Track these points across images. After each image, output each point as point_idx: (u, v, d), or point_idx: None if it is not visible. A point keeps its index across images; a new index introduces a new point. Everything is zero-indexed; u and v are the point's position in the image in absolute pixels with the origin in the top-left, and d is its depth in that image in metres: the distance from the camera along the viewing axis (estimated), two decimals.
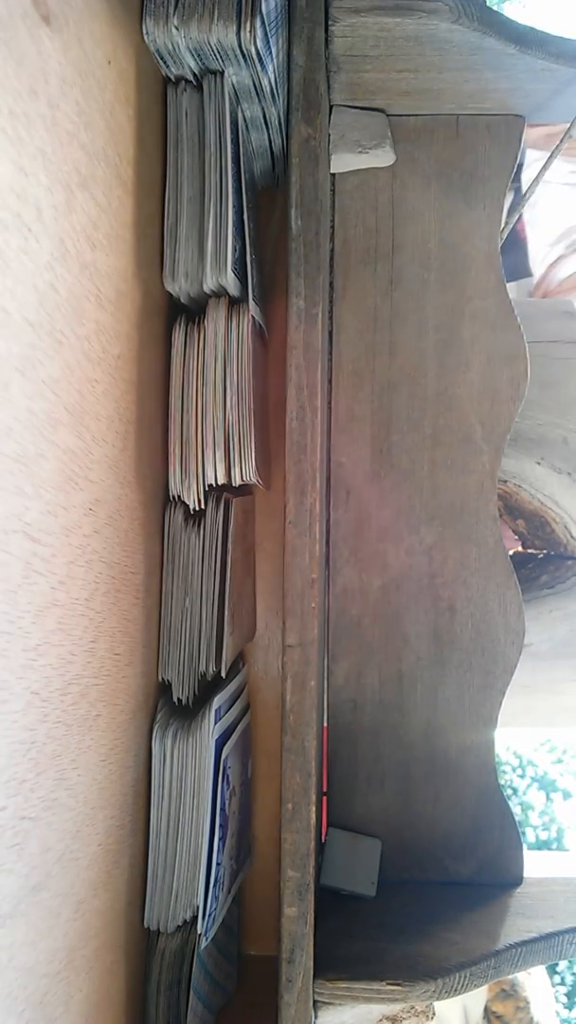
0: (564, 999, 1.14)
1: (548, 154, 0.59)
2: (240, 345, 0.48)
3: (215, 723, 0.49)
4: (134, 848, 0.47)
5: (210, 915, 0.49)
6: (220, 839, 0.50)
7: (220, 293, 0.49)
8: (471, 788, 0.60)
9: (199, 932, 0.48)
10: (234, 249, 0.47)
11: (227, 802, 0.51)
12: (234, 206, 0.47)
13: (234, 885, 0.55)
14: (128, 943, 0.46)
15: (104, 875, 0.42)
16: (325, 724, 0.60)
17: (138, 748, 0.47)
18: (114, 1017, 0.44)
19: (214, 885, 0.49)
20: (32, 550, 0.32)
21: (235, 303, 0.49)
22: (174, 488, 0.49)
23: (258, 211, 0.59)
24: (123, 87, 0.41)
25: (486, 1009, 1.00)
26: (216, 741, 0.49)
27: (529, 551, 0.74)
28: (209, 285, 0.48)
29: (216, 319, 0.48)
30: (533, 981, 1.03)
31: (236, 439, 0.48)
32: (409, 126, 0.60)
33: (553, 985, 1.13)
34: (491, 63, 0.52)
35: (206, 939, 0.49)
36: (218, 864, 0.50)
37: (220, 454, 0.48)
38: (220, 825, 0.50)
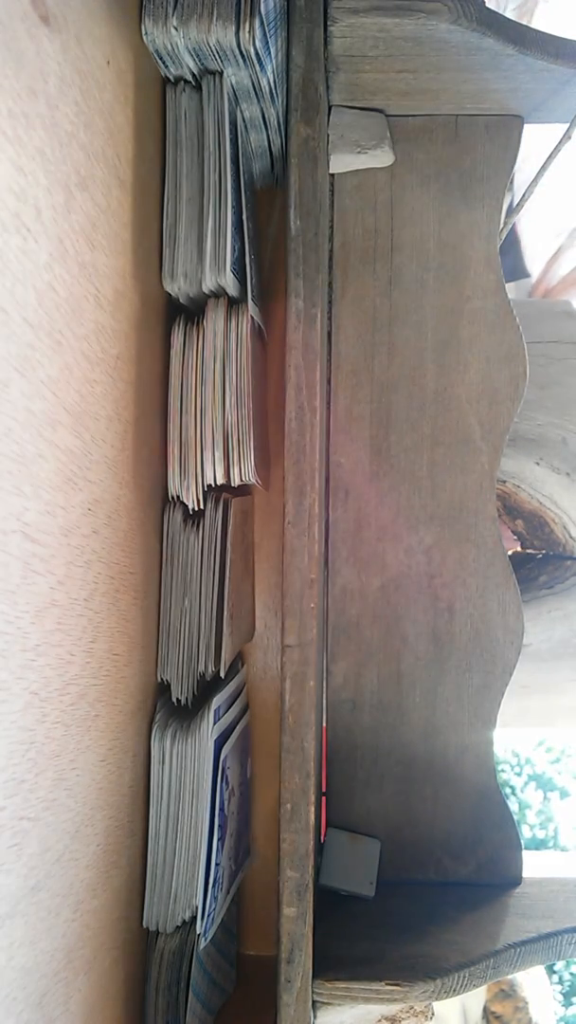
0: (561, 998, 1.14)
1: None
2: (239, 345, 0.48)
3: (214, 723, 0.49)
4: (133, 848, 0.47)
5: (209, 915, 0.49)
6: (219, 839, 0.50)
7: (219, 293, 0.49)
8: (470, 788, 0.60)
9: (198, 932, 0.48)
10: (233, 249, 0.47)
11: (226, 802, 0.51)
12: (233, 206, 0.47)
13: (233, 885, 0.55)
14: (127, 943, 0.46)
15: (103, 875, 0.42)
16: (324, 724, 0.60)
17: (137, 748, 0.47)
18: (113, 1017, 0.44)
19: (213, 885, 0.49)
20: (31, 550, 0.32)
21: (234, 303, 0.49)
22: (173, 488, 0.49)
23: (257, 211, 0.59)
24: (122, 87, 0.41)
25: (485, 1009, 1.00)
26: (215, 741, 0.49)
27: (528, 551, 0.75)
28: (208, 285, 0.48)
29: (215, 319, 0.48)
30: (532, 981, 1.03)
31: (235, 439, 0.48)
32: (408, 126, 0.60)
33: (551, 985, 1.13)
34: (490, 63, 0.52)
35: (205, 939, 0.49)
36: (217, 864, 0.50)
37: (219, 454, 0.48)
38: (219, 825, 0.50)
